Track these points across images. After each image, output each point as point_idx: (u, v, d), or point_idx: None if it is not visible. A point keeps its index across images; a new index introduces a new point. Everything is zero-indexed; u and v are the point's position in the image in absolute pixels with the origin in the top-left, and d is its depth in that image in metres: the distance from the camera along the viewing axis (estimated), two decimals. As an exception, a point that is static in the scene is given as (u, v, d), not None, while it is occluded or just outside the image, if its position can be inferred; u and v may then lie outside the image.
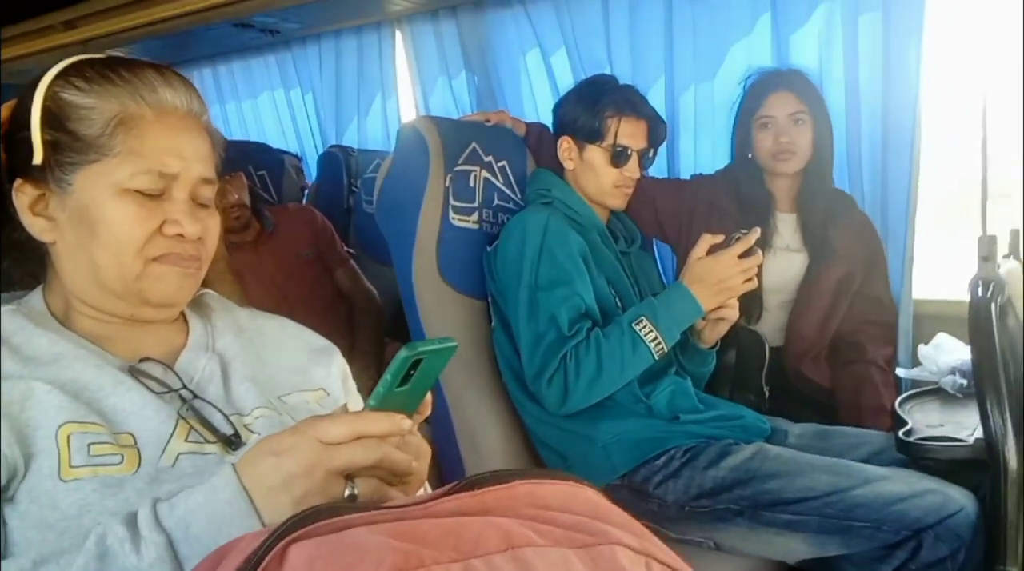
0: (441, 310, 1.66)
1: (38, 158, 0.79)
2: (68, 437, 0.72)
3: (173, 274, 0.82)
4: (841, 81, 1.96)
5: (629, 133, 1.64)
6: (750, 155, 1.88)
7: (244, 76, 3.19)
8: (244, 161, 2.19)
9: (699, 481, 1.40)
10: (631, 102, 1.65)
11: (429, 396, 0.74)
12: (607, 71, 2.27)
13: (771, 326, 1.92)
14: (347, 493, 0.66)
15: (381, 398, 0.67)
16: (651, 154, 1.71)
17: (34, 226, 0.82)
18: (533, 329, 1.49)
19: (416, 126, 1.68)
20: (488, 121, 1.90)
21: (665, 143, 1.81)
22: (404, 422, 0.68)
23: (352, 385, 1.04)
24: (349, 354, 2.01)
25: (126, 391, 0.78)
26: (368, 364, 2.08)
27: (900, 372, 1.77)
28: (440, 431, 1.63)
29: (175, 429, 0.78)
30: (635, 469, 1.47)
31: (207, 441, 0.79)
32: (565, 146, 1.69)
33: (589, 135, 1.65)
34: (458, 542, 0.55)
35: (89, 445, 0.72)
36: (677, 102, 2.15)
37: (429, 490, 0.98)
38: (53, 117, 0.79)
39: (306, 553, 0.50)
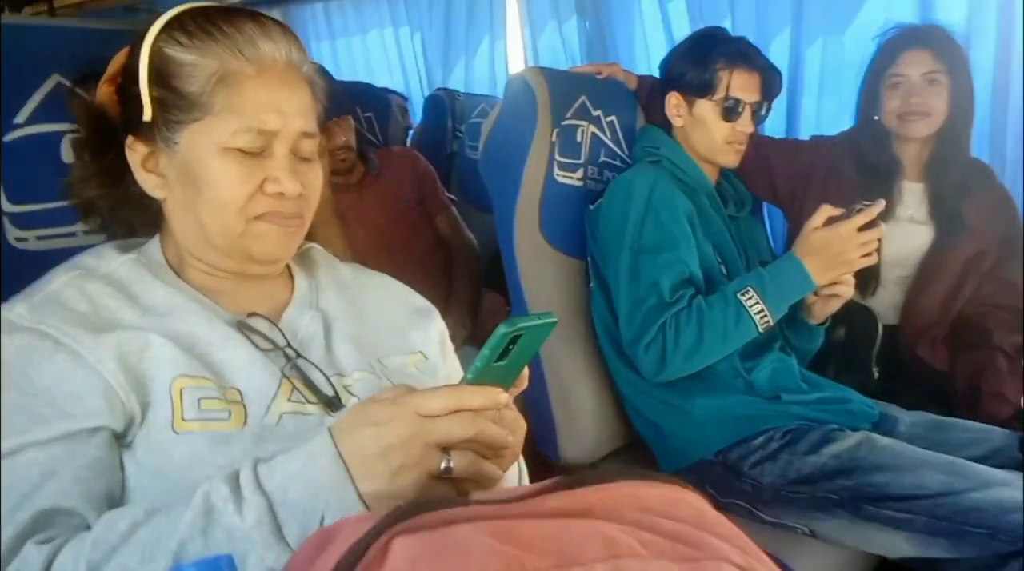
0: (540, 268, 1.64)
1: (147, 115, 0.80)
2: (181, 391, 0.75)
3: (275, 232, 0.82)
4: (992, 39, 1.79)
5: (741, 85, 1.55)
6: (876, 117, 1.74)
7: (355, 13, 3.19)
8: (352, 102, 2.19)
9: (798, 466, 1.35)
10: (743, 53, 1.56)
11: (526, 370, 0.73)
12: (727, 20, 2.15)
13: (885, 303, 1.80)
14: (443, 466, 0.66)
15: (479, 372, 0.67)
16: (764, 108, 1.61)
17: (147, 182, 0.83)
18: (633, 293, 1.45)
19: (525, 77, 1.63)
20: (599, 74, 1.83)
21: (785, 102, 1.70)
22: (501, 396, 0.67)
23: (449, 347, 1.04)
24: (446, 302, 2.05)
25: (234, 347, 0.80)
26: (465, 313, 2.09)
27: (1032, 364, 1.64)
28: (533, 393, 1.62)
29: (279, 388, 0.79)
30: (730, 447, 1.42)
31: (308, 401, 0.81)
32: (674, 102, 1.61)
33: (699, 89, 1.56)
34: (560, 547, 0.53)
35: (199, 400, 0.75)
36: (802, 57, 2.01)
37: (522, 464, 0.98)
38: (159, 73, 0.79)
39: (409, 550, 0.49)
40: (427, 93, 2.96)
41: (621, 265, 1.47)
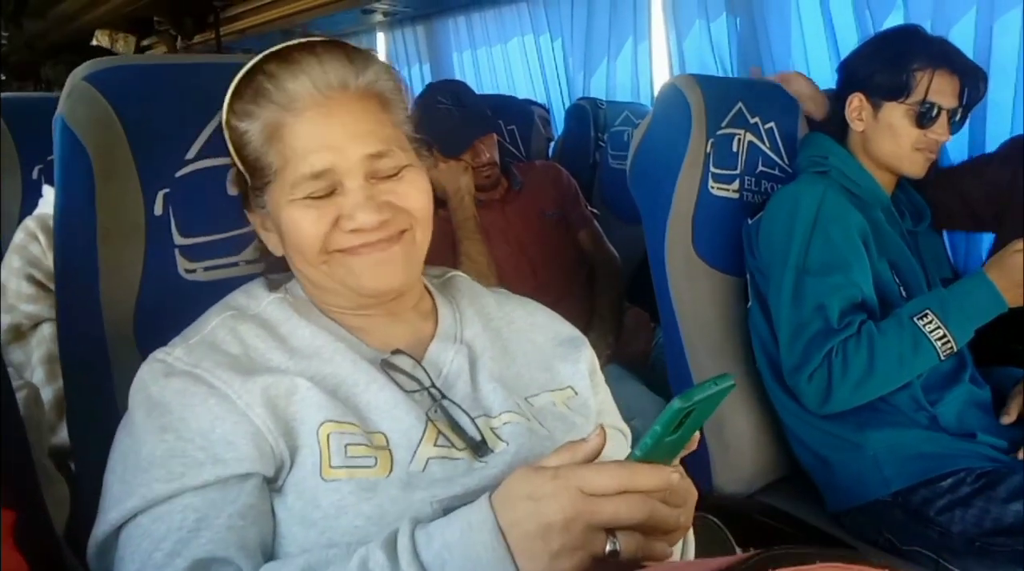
0: (692, 285, 1.56)
1: (248, 182, 0.81)
2: (328, 436, 0.73)
3: (363, 263, 0.78)
4: None
5: (940, 89, 1.40)
6: None
7: (496, 22, 3.20)
8: (495, 116, 2.18)
9: (996, 514, 1.20)
10: (945, 53, 1.41)
11: (696, 433, 0.67)
12: (899, 12, 1.96)
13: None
14: (608, 549, 0.61)
15: (649, 449, 0.61)
16: (961, 117, 1.45)
17: (269, 242, 0.85)
18: (796, 317, 1.34)
19: (677, 85, 1.55)
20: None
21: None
22: (673, 476, 0.61)
23: (600, 378, 0.98)
24: (588, 318, 2.00)
25: (379, 389, 0.78)
26: (608, 330, 2.02)
27: None
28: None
29: (424, 432, 0.77)
30: (913, 487, 1.29)
31: (454, 446, 0.78)
32: (855, 104, 1.47)
33: (890, 91, 1.42)
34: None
35: (346, 446, 0.73)
36: (992, 42, 1.80)
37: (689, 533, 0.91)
38: (235, 146, 0.80)
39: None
40: (568, 101, 2.92)
41: (784, 286, 1.36)
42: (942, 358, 1.28)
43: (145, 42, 3.77)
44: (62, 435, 1.25)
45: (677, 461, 0.67)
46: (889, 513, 1.31)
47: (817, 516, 1.44)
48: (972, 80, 1.43)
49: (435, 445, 0.77)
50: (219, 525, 0.68)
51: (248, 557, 0.68)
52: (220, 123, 0.86)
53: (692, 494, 0.68)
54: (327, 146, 0.76)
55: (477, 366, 0.86)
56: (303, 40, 0.78)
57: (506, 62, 3.21)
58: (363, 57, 0.80)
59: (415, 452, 0.76)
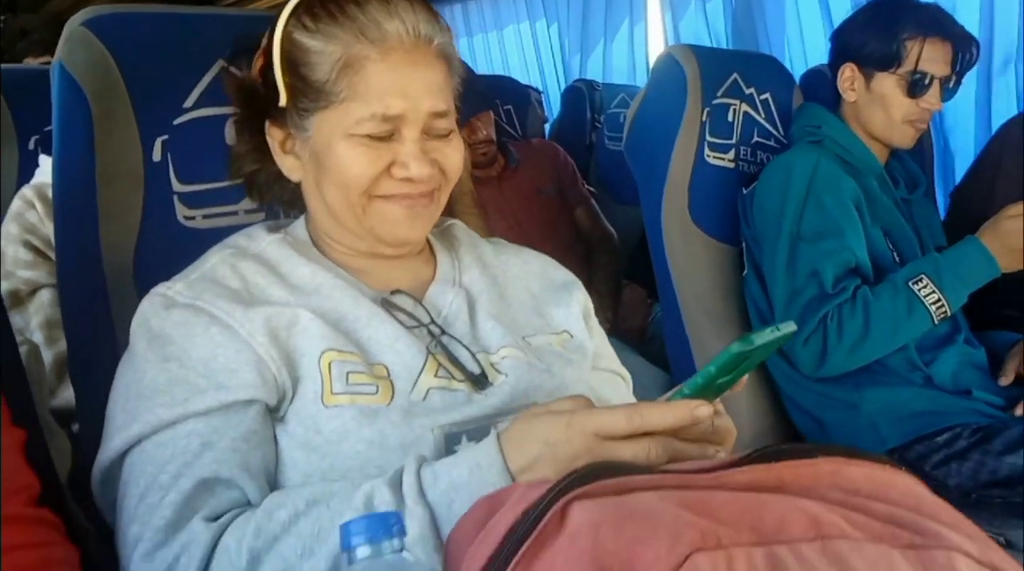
0: (689, 253, 1.56)
1: (283, 101, 0.79)
2: (329, 364, 0.74)
3: (401, 213, 0.79)
4: None
5: (932, 57, 1.39)
6: None
7: (492, 9, 3.22)
8: (492, 95, 2.19)
9: (992, 467, 1.21)
10: (937, 20, 1.40)
11: (745, 376, 0.66)
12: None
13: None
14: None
15: (698, 388, 0.60)
16: (954, 84, 1.45)
17: (284, 164, 0.83)
18: (790, 283, 1.34)
19: (673, 54, 1.56)
20: None
21: (975, 74, 1.53)
22: (700, 410, 0.59)
23: (594, 322, 0.99)
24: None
25: (380, 323, 0.79)
26: (603, 306, 2.03)
27: None
28: (682, 380, 1.55)
29: (425, 364, 0.78)
30: (908, 444, 1.30)
31: (455, 378, 0.79)
32: (847, 74, 1.47)
33: (881, 61, 1.42)
34: (757, 523, 0.47)
35: (348, 373, 0.74)
36: (994, 24, 1.81)
37: None
38: (289, 60, 0.78)
39: (590, 515, 0.45)
40: (564, 86, 2.93)
41: (778, 253, 1.37)
42: (936, 322, 1.29)
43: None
44: (63, 395, 1.26)
45: (722, 407, 0.66)
46: (886, 471, 1.31)
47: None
48: (964, 46, 1.42)
49: (436, 376, 0.77)
50: (223, 447, 0.69)
51: (251, 479, 0.69)
52: (219, 72, 0.86)
53: (731, 432, 0.68)
54: (405, 93, 0.76)
55: (476, 307, 0.87)
56: None
57: (502, 48, 3.23)
58: (442, 18, 0.81)
59: (416, 382, 0.76)
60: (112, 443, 0.72)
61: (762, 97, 1.65)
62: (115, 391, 0.75)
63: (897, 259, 1.41)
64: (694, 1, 2.41)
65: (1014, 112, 1.82)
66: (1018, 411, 1.27)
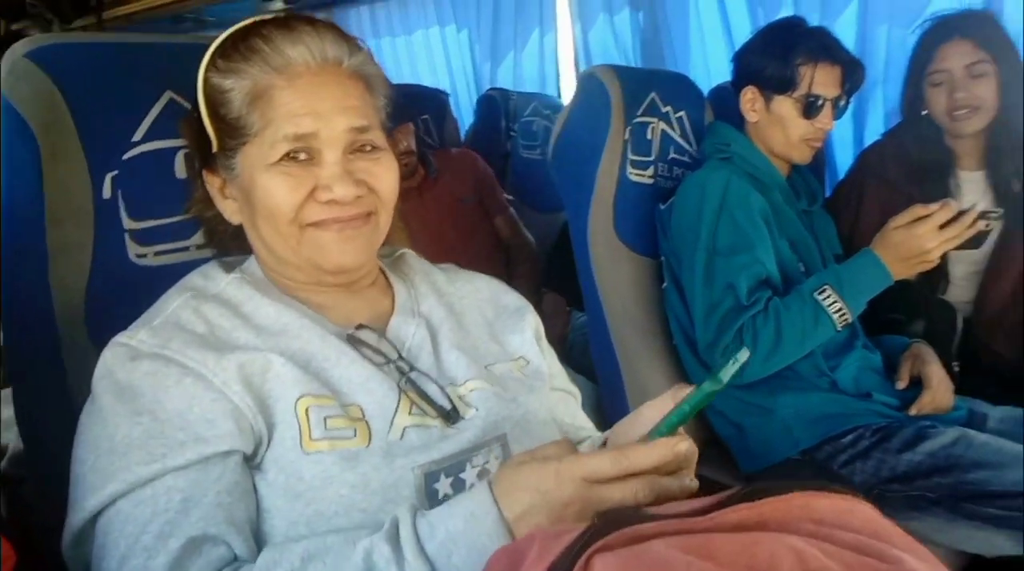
0: (614, 266, 1.63)
1: (214, 146, 0.80)
2: (306, 410, 0.74)
3: (333, 238, 0.79)
4: None
5: (823, 81, 1.50)
6: (924, 112, 1.70)
7: (400, 13, 3.19)
8: (410, 106, 2.19)
9: (892, 464, 1.33)
10: (826, 46, 1.51)
11: None
12: (788, 8, 2.11)
13: (957, 298, 1.77)
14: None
15: (674, 427, 0.65)
16: (844, 103, 1.58)
17: (226, 210, 0.84)
18: (708, 296, 1.43)
19: (596, 74, 1.62)
20: None
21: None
22: (680, 446, 0.64)
23: (546, 343, 1.02)
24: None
25: (350, 362, 0.80)
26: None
27: (1116, 355, 1.61)
28: (610, 390, 1.62)
29: (399, 402, 0.79)
30: (818, 445, 1.41)
31: (428, 415, 0.80)
32: (749, 97, 1.58)
33: (778, 85, 1.52)
34: (752, 561, 0.52)
35: (325, 418, 0.75)
36: (868, 43, 1.98)
37: None
38: (210, 103, 0.79)
39: (612, 567, 0.49)
40: (475, 92, 2.96)
41: (696, 267, 1.45)
42: (839, 329, 1.38)
43: (15, 26, 3.50)
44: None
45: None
46: (798, 470, 1.43)
47: (733, 479, 1.55)
48: (852, 69, 1.53)
49: (410, 414, 0.79)
50: (207, 503, 0.68)
51: (238, 533, 0.69)
52: (168, 103, 0.85)
53: (694, 453, 0.70)
54: (315, 113, 0.77)
55: (438, 338, 0.89)
56: (302, 14, 0.80)
57: (410, 53, 3.21)
58: (354, 41, 0.82)
59: (392, 422, 0.78)
60: (86, 503, 0.69)
61: (677, 115, 1.73)
62: (82, 448, 0.73)
63: (803, 268, 1.52)
64: (602, 14, 2.48)
65: (882, 129, 2.00)
66: (912, 411, 1.40)
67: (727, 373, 0.65)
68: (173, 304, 0.80)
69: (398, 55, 3.26)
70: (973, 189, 1.73)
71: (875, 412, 1.41)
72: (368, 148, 0.81)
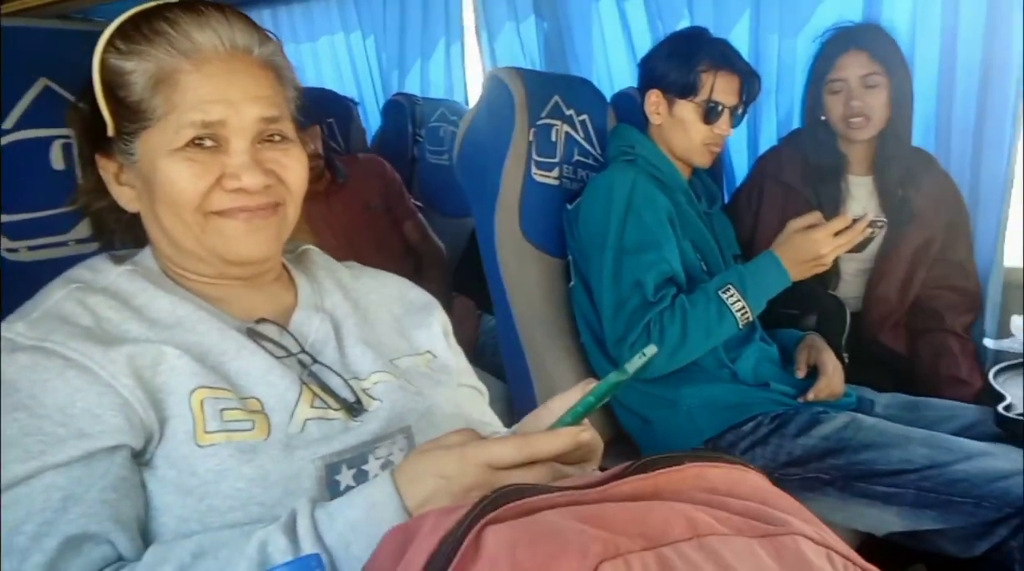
0: (521, 267, 1.64)
1: (110, 129, 0.77)
2: (201, 402, 0.72)
3: (239, 228, 0.77)
4: (936, 31, 1.84)
5: (723, 88, 1.57)
6: (823, 118, 1.80)
7: (304, 19, 3.13)
8: (316, 109, 2.15)
9: (788, 448, 1.39)
10: (727, 56, 1.58)
11: None
12: (685, 20, 2.19)
13: (847, 294, 1.87)
14: None
15: (579, 417, 0.66)
16: (742, 111, 1.64)
17: (121, 197, 0.81)
18: (616, 294, 1.46)
19: (500, 76, 1.63)
20: None
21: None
22: (583, 435, 0.64)
23: (453, 340, 1.02)
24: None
25: (249, 355, 0.77)
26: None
27: (988, 343, 1.72)
28: (519, 389, 1.63)
29: (300, 395, 0.77)
30: (720, 434, 1.46)
31: (330, 407, 0.79)
32: (653, 100, 1.63)
33: (681, 90, 1.58)
34: (645, 529, 0.53)
35: (221, 410, 0.72)
36: (761, 54, 2.06)
37: None
38: (108, 86, 0.76)
39: (504, 538, 0.49)
40: (382, 100, 2.93)
41: (604, 265, 1.48)
42: (741, 326, 1.44)
43: None
44: None
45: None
46: (703, 459, 1.47)
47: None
48: (750, 80, 1.61)
49: (312, 407, 0.77)
50: (90, 500, 0.65)
51: (123, 531, 0.66)
52: (43, 90, 0.81)
53: (599, 444, 0.71)
54: (225, 100, 0.74)
55: (342, 332, 0.87)
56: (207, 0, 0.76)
57: (315, 60, 3.15)
58: (264, 31, 0.80)
59: (292, 414, 0.76)
60: None
61: (580, 118, 1.76)
62: None
63: (704, 268, 1.57)
64: (508, 22, 2.50)
65: (775, 135, 2.10)
66: (809, 396, 1.46)
67: (633, 365, 0.66)
68: (55, 296, 0.75)
69: (303, 62, 3.19)
70: (862, 193, 1.83)
71: (773, 400, 1.47)
72: (277, 138, 0.79)
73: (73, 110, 0.81)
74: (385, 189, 2.17)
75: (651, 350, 0.66)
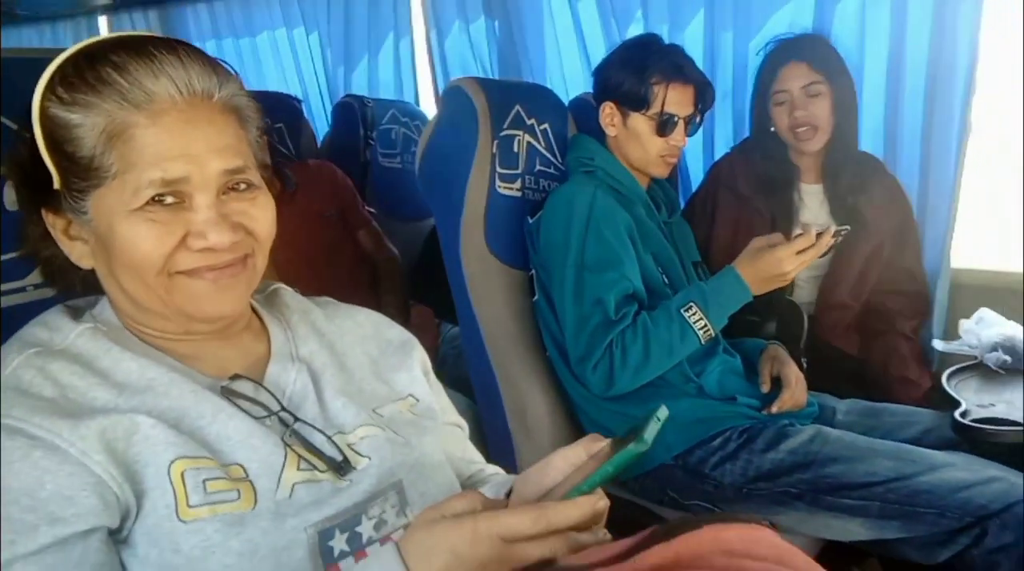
0: (487, 280, 1.62)
1: (56, 183, 0.70)
2: (182, 474, 0.68)
3: (207, 287, 0.73)
4: (885, 37, 1.86)
5: (676, 100, 1.55)
6: (772, 129, 1.83)
7: (243, 13, 3.00)
8: (264, 114, 2.07)
9: (757, 463, 1.40)
10: (679, 66, 1.56)
11: None
12: (639, 23, 2.18)
13: (801, 299, 1.92)
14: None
15: (595, 486, 0.64)
16: (698, 120, 1.64)
17: (72, 252, 0.75)
18: (578, 311, 1.45)
19: (462, 87, 1.60)
20: None
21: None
22: (600, 504, 0.63)
23: (433, 378, 1.00)
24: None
25: (227, 418, 0.73)
26: (393, 328, 2.03)
27: (938, 345, 1.78)
28: (487, 404, 1.61)
29: (285, 458, 0.74)
30: (690, 450, 1.46)
31: (318, 469, 0.75)
32: (607, 112, 1.61)
33: (634, 103, 1.56)
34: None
35: (204, 481, 0.68)
36: (716, 58, 2.07)
37: None
38: (50, 138, 0.69)
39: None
40: (328, 98, 2.85)
41: (566, 282, 1.47)
42: (703, 342, 1.44)
43: None
44: None
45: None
46: (672, 474, 1.48)
47: (611, 487, 1.58)
48: (704, 89, 1.59)
49: (298, 469, 0.74)
50: None
51: None
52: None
53: (607, 506, 0.69)
54: (186, 155, 0.69)
55: (321, 384, 0.84)
56: (158, 36, 0.70)
57: (256, 56, 3.03)
58: (223, 68, 0.74)
59: (279, 479, 0.72)
60: None
61: (542, 127, 1.73)
62: None
63: (666, 281, 1.57)
64: (458, 21, 2.45)
65: (731, 138, 2.12)
66: (774, 409, 1.48)
67: (650, 433, 0.65)
68: (12, 364, 0.69)
69: (243, 58, 3.07)
70: (813, 201, 1.86)
71: (740, 414, 1.48)
72: (243, 186, 0.74)
73: (11, 158, 0.74)
74: (338, 196, 2.11)
75: (663, 413, 0.66)
